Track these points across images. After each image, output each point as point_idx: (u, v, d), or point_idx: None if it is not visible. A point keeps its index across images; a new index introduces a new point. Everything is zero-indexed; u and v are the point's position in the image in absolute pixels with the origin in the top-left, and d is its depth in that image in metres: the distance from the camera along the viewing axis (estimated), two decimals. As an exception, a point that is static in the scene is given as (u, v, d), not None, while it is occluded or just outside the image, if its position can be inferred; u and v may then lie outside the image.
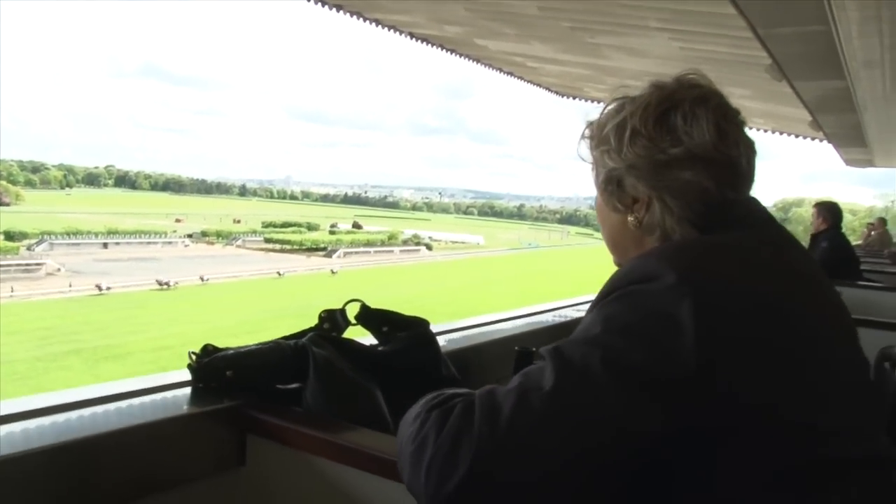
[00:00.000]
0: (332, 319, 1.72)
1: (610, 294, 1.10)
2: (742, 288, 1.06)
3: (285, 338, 1.71)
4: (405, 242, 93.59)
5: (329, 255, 78.28)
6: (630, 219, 1.26)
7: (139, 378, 1.60)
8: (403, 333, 1.78)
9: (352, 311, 1.77)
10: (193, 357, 1.60)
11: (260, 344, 1.67)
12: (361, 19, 9.01)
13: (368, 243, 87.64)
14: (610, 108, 1.30)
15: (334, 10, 8.61)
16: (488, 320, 2.62)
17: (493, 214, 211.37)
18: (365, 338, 1.84)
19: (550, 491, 0.98)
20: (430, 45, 10.13)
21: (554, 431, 0.98)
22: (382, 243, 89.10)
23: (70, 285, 51.31)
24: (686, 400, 0.99)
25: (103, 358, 33.62)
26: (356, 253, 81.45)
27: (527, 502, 0.99)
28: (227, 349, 1.63)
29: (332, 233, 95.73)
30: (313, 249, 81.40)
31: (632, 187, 1.24)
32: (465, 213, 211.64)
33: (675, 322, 1.00)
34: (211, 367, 1.58)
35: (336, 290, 47.62)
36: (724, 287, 1.05)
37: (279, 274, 60.40)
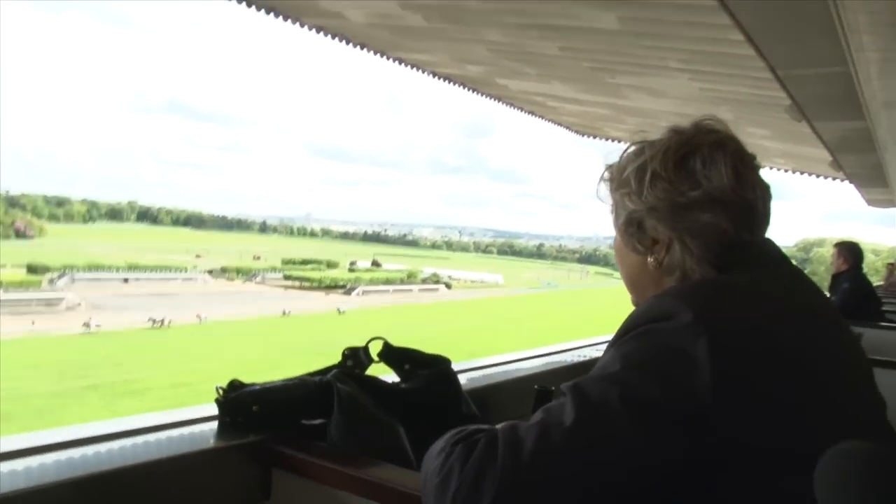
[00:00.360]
0: (356, 357, 1.76)
1: (628, 332, 1.13)
2: (756, 327, 1.09)
3: (310, 374, 1.74)
4: (424, 281, 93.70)
5: (348, 292, 78.44)
6: (650, 260, 1.29)
7: (165, 412, 1.63)
8: (425, 371, 1.81)
9: (374, 349, 1.80)
10: (221, 391, 1.63)
11: (286, 380, 1.70)
12: (385, 57, 9.15)
13: (387, 281, 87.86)
14: (630, 151, 1.33)
15: (359, 48, 8.76)
16: (508, 359, 2.65)
17: (512, 253, 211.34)
18: (387, 375, 1.86)
19: None
20: (452, 83, 10.25)
21: (574, 464, 1.02)
22: (401, 281, 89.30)
23: (89, 319, 51.62)
24: (700, 433, 1.01)
25: (121, 394, 33.69)
26: (375, 291, 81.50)
27: None
28: (253, 384, 1.65)
29: (351, 270, 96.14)
30: (332, 287, 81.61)
31: (652, 229, 1.27)
32: (484, 251, 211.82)
33: (691, 359, 1.03)
34: (238, 401, 1.61)
35: (353, 330, 47.59)
36: (738, 326, 1.08)
37: (284, 313, 60.19)
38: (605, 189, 1.38)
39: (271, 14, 7.56)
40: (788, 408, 1.05)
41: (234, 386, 1.64)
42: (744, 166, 1.25)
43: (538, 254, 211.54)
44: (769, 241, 1.29)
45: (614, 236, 1.38)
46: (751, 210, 1.25)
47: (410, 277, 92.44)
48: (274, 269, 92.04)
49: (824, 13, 3.65)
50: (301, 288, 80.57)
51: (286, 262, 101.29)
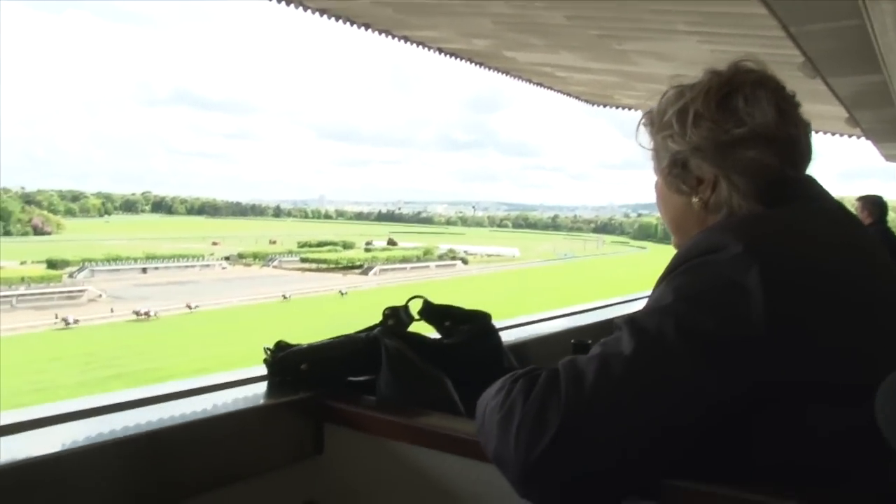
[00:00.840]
0: (396, 316, 1.75)
1: (678, 267, 1.16)
2: (804, 257, 1.12)
3: (356, 333, 1.75)
4: (441, 257, 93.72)
5: (365, 272, 78.67)
6: (694, 200, 1.30)
7: (217, 374, 1.65)
8: (466, 326, 1.82)
9: (414, 308, 1.80)
10: (268, 352, 1.65)
11: (333, 338, 1.72)
12: (390, 37, 9.09)
13: (404, 259, 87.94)
14: (669, 95, 1.34)
15: (363, 28, 8.70)
16: (542, 317, 2.70)
17: (527, 226, 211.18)
18: (429, 334, 1.88)
19: (631, 449, 1.05)
20: (458, 59, 10.18)
21: (635, 392, 1.05)
22: (418, 259, 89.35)
23: (112, 310, 52.11)
24: (755, 363, 1.04)
25: (145, 382, 34.02)
26: (392, 269, 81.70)
27: (610, 460, 1.05)
28: (300, 345, 1.68)
29: (367, 250, 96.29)
30: (349, 268, 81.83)
31: (697, 168, 1.28)
32: (499, 225, 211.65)
33: (743, 289, 1.05)
34: (286, 360, 1.63)
35: (377, 306, 47.84)
36: (787, 256, 1.10)
37: (284, 297, 60.57)
38: (645, 134, 1.39)
39: (273, 0, 7.52)
40: (842, 340, 1.07)
41: (281, 346, 1.66)
42: (786, 103, 1.28)
43: (553, 225, 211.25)
44: (812, 178, 1.31)
45: (656, 181, 1.39)
46: (795, 145, 1.27)
47: (427, 254, 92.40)
48: (290, 253, 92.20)
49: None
50: (318, 270, 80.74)
51: (302, 244, 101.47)
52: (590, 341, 1.64)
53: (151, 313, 50.43)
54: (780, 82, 1.30)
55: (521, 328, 2.43)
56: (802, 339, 1.04)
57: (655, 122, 1.35)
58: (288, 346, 1.67)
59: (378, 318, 1.74)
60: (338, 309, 49.07)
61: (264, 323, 44.96)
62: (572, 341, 1.64)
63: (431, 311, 1.84)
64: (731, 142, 1.23)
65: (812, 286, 1.08)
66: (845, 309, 1.09)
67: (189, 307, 53.44)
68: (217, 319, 49.76)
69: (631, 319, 1.11)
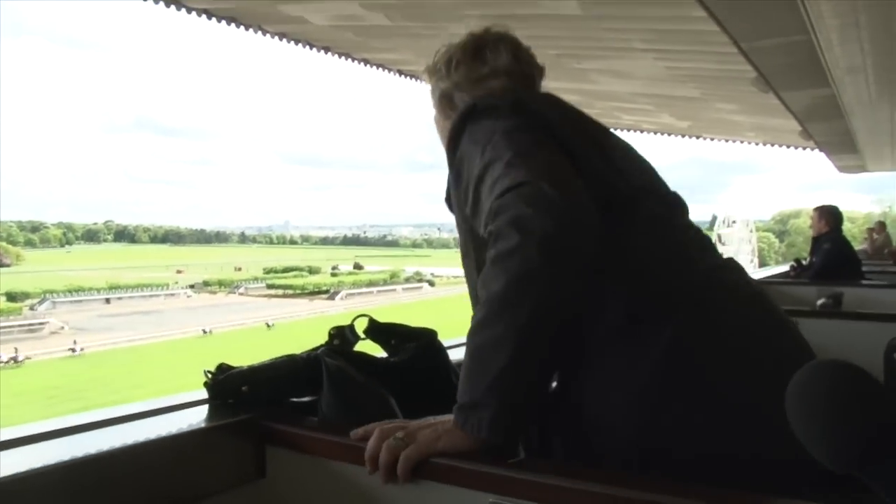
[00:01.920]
0: (342, 335, 1.76)
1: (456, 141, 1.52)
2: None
3: (298, 354, 1.75)
4: (407, 280, 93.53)
5: (331, 297, 78.20)
6: None
7: (154, 399, 1.63)
8: (412, 344, 1.81)
9: (360, 327, 1.80)
10: (209, 375, 1.64)
11: (274, 359, 1.71)
12: (350, 60, 9.13)
13: (371, 283, 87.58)
14: (440, 52, 1.74)
15: (323, 52, 8.74)
16: None
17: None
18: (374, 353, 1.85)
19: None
20: (419, 80, 10.24)
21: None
22: (385, 282, 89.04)
23: (74, 342, 51.24)
24: None
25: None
26: (359, 294, 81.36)
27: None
28: (241, 367, 1.66)
29: (333, 275, 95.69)
30: (316, 293, 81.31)
31: (458, 99, 1.67)
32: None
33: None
34: (226, 383, 1.62)
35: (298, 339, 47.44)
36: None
37: (268, 325, 59.44)
38: (426, 84, 1.78)
39: (232, 24, 7.53)
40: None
41: (222, 369, 1.65)
42: (519, 52, 1.71)
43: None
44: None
45: (434, 115, 1.77)
46: (525, 78, 1.70)
47: (393, 278, 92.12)
48: (256, 279, 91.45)
49: (782, -18, 3.69)
50: (284, 296, 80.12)
51: (268, 270, 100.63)
52: None
53: (77, 350, 49.23)
54: (518, 40, 1.73)
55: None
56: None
57: (430, 72, 1.75)
58: (229, 368, 1.65)
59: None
60: (258, 341, 47.88)
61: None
62: None
63: (377, 330, 1.83)
64: (480, 77, 1.65)
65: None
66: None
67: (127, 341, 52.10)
68: (180, 347, 49.16)
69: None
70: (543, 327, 1.23)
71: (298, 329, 54.84)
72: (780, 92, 6.24)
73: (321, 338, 1.78)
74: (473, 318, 1.29)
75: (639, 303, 1.34)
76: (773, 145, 11.84)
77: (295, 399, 1.70)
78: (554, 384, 1.42)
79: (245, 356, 1.95)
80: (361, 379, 1.61)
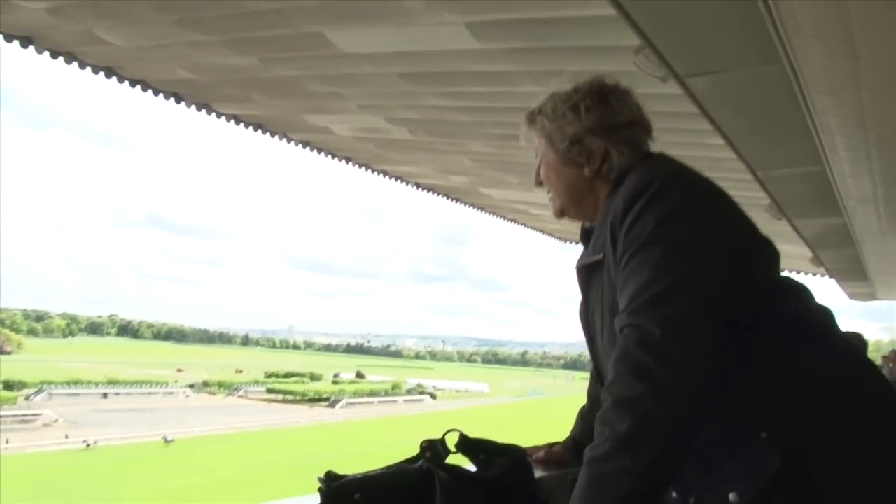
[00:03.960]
0: (433, 448, 1.81)
1: (630, 208, 1.50)
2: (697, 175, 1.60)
3: (401, 463, 1.80)
4: (409, 392, 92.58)
5: (332, 405, 77.21)
6: (586, 169, 1.70)
7: (269, 502, 1.67)
8: (501, 460, 1.87)
9: (451, 441, 1.85)
10: (322, 482, 1.67)
11: (385, 468, 1.75)
12: (370, 170, 9.34)
13: (372, 393, 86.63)
14: (554, 99, 1.74)
15: (344, 161, 8.95)
16: None
17: (496, 361, 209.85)
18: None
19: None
20: (435, 194, 10.44)
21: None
22: (386, 393, 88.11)
23: (66, 437, 50.42)
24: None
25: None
26: (360, 403, 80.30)
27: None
28: (354, 474, 1.70)
29: (335, 382, 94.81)
30: (316, 400, 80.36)
31: (590, 143, 1.68)
32: (468, 360, 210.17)
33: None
34: (341, 490, 1.64)
35: (340, 445, 46.55)
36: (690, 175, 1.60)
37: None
38: (529, 131, 1.79)
39: (258, 131, 7.76)
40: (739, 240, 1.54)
41: (332, 476, 1.67)
42: (638, 102, 1.74)
43: (522, 361, 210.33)
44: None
45: (544, 163, 1.77)
46: (649, 128, 1.74)
47: (395, 388, 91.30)
48: (257, 383, 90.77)
49: (799, 117, 3.81)
50: (284, 401, 79.18)
51: (269, 374, 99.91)
52: None
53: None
54: (632, 90, 1.75)
55: None
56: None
57: (548, 115, 1.73)
58: (338, 476, 1.69)
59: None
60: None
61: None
62: (570, 477, 1.70)
63: (467, 445, 1.90)
64: (616, 124, 1.67)
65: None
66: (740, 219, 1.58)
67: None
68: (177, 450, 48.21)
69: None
70: (663, 466, 1.35)
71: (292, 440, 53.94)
72: (792, 219, 6.34)
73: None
74: (595, 447, 1.37)
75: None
76: (783, 270, 11.88)
77: None
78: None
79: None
80: (471, 494, 1.68)
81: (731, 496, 1.38)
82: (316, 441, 51.14)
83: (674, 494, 1.46)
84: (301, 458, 41.08)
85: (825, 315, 1.56)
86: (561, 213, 1.81)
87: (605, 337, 1.61)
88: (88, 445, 49.63)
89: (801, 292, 1.59)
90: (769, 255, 1.59)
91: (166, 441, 52.88)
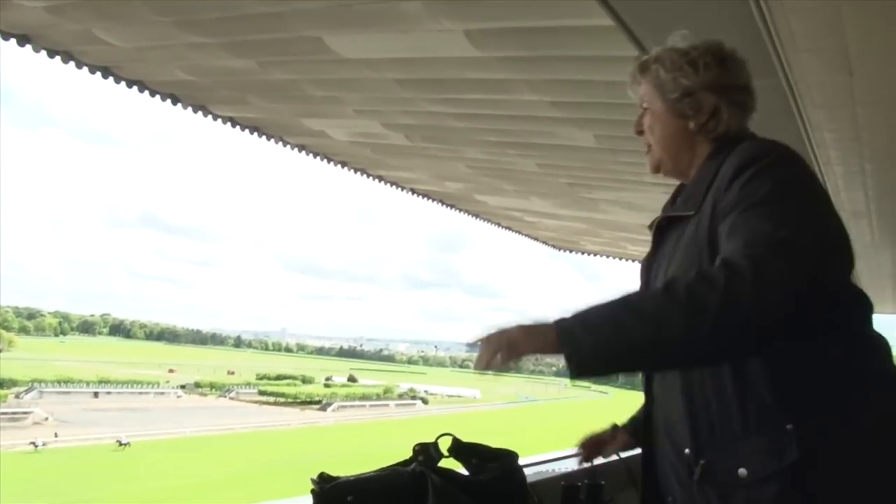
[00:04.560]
0: (426, 452, 1.82)
1: (747, 167, 1.51)
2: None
3: (393, 466, 1.81)
4: (401, 396, 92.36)
5: (323, 408, 77.07)
6: (692, 124, 1.71)
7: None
8: (495, 464, 1.89)
9: (444, 445, 1.87)
10: (315, 483, 1.68)
11: (378, 470, 1.77)
12: (366, 175, 9.34)
13: (364, 397, 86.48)
14: (672, 52, 1.75)
15: (340, 166, 8.96)
16: (536, 460, 2.77)
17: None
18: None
19: None
20: (431, 200, 10.45)
21: None
22: (378, 397, 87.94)
23: (56, 435, 50.21)
24: None
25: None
26: (351, 407, 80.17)
27: None
28: (347, 476, 1.72)
29: (327, 386, 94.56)
30: (308, 403, 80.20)
31: (703, 98, 1.70)
32: (461, 366, 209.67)
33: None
34: (333, 492, 1.66)
35: (329, 448, 46.45)
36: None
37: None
38: (643, 76, 1.78)
39: (254, 134, 7.76)
40: None
41: (325, 478, 1.69)
42: (750, 74, 1.76)
43: (515, 367, 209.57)
44: None
45: (648, 110, 1.77)
46: (755, 99, 1.75)
47: (387, 393, 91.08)
48: (248, 385, 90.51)
49: (794, 131, 3.84)
50: (276, 404, 78.95)
51: (261, 377, 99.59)
52: (579, 483, 1.90)
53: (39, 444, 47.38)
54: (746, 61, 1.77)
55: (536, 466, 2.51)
56: None
57: (664, 65, 1.74)
58: (332, 478, 1.70)
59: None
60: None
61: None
62: (562, 483, 1.72)
63: (460, 449, 1.90)
64: (731, 85, 1.70)
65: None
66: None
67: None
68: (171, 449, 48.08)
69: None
70: (705, 352, 1.40)
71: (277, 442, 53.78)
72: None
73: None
74: (668, 289, 1.41)
75: None
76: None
77: None
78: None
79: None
80: (463, 498, 1.71)
81: (741, 471, 1.42)
82: (306, 443, 50.96)
83: (686, 451, 1.53)
84: (289, 460, 40.97)
85: (882, 338, 1.56)
86: (656, 168, 1.81)
87: None
88: (37, 447, 47.44)
89: (871, 308, 1.58)
90: (852, 259, 1.55)
91: (120, 444, 49.44)
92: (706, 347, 1.37)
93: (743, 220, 1.43)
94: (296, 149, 8.35)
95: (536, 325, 1.49)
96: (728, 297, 1.32)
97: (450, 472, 1.80)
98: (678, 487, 1.59)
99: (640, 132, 1.81)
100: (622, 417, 1.85)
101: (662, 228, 1.72)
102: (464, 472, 1.90)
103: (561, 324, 1.45)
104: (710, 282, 1.35)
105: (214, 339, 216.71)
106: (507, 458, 1.92)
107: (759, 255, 1.35)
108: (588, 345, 1.42)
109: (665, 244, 1.69)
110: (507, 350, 1.50)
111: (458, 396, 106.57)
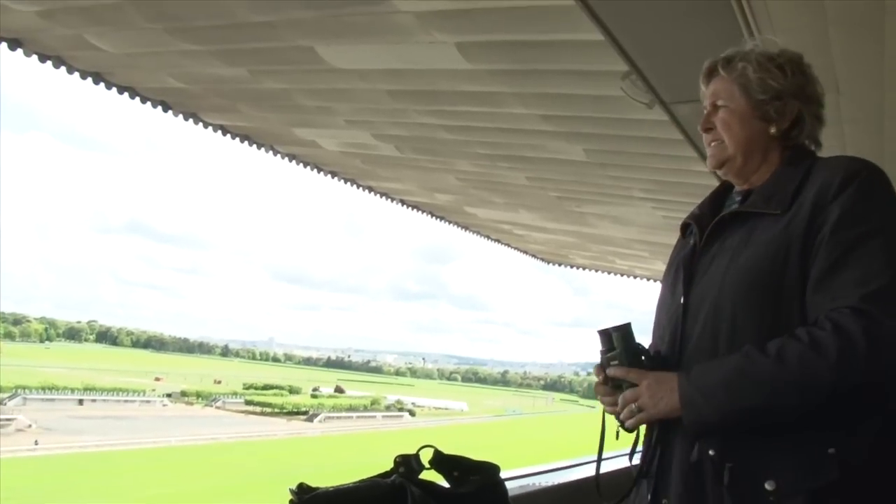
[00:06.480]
0: (407, 464, 1.80)
1: (848, 185, 1.54)
2: None
3: (374, 477, 1.79)
4: (388, 408, 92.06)
5: (310, 419, 76.71)
6: (772, 129, 1.72)
7: None
8: (476, 477, 1.87)
9: (425, 457, 1.84)
10: (294, 494, 1.66)
11: (358, 482, 1.74)
12: (356, 186, 9.35)
13: (351, 408, 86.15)
14: (759, 55, 1.74)
15: (330, 176, 8.96)
16: (524, 472, 2.78)
17: (476, 380, 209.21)
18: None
19: None
20: (420, 211, 10.46)
21: None
22: (365, 408, 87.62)
23: (36, 443, 49.72)
24: None
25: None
26: (338, 418, 79.84)
27: None
28: (326, 487, 1.70)
29: (314, 396, 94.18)
30: (294, 413, 79.81)
31: (789, 103, 1.71)
32: (448, 378, 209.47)
33: None
34: (312, 503, 1.65)
35: (315, 459, 46.14)
36: None
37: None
38: (725, 71, 1.76)
39: (245, 143, 7.76)
40: None
41: (304, 489, 1.67)
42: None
43: (503, 380, 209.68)
44: None
45: (729, 109, 1.74)
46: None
47: (374, 404, 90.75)
48: (235, 394, 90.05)
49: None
50: (262, 414, 78.55)
51: (248, 386, 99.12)
52: None
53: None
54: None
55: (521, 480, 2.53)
56: None
57: (752, 64, 1.73)
58: (311, 488, 1.68)
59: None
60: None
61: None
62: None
63: (442, 461, 1.88)
64: (814, 97, 1.73)
65: None
66: None
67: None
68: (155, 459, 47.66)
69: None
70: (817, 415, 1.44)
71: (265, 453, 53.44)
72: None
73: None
74: (780, 357, 1.45)
75: None
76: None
77: None
78: None
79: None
80: None
81: (768, 484, 1.44)
82: (292, 454, 50.66)
83: (710, 452, 1.53)
84: (273, 471, 40.74)
85: None
86: (721, 163, 1.77)
87: (727, 285, 1.60)
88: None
89: None
90: None
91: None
92: (818, 411, 1.43)
93: (851, 248, 1.48)
94: (286, 158, 8.35)
95: (661, 389, 1.59)
96: (841, 368, 1.39)
97: (430, 485, 1.78)
98: (683, 489, 1.59)
99: (708, 129, 1.79)
100: (611, 432, 1.84)
101: (724, 223, 1.70)
102: (445, 484, 1.89)
103: (682, 390, 1.54)
104: (821, 350, 1.40)
105: (202, 348, 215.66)
106: (488, 471, 1.90)
107: (871, 320, 1.40)
108: (707, 412, 1.51)
109: (723, 240, 1.67)
110: (637, 414, 1.62)
111: (446, 409, 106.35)
